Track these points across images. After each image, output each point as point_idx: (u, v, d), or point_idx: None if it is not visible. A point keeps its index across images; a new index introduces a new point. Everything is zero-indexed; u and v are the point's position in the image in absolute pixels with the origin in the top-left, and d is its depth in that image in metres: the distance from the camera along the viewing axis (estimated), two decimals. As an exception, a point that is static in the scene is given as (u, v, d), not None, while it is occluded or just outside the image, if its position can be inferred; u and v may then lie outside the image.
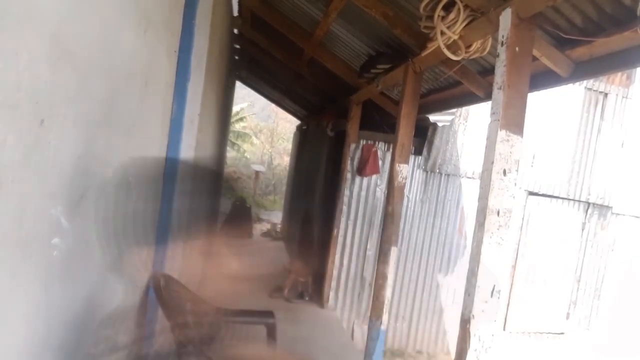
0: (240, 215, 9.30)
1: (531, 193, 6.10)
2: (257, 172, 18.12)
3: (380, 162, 5.28)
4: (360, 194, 5.40)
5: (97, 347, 1.30)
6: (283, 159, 22.53)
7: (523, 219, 6.07)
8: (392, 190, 3.55)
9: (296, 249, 7.31)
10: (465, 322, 1.92)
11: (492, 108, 1.97)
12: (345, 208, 5.34)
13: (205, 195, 4.44)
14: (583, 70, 2.42)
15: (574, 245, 6.28)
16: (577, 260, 6.27)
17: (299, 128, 9.77)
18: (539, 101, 5.39)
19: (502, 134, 1.89)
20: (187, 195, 2.01)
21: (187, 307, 1.75)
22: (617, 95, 6.22)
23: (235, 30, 5.90)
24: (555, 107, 5.93)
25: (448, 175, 5.69)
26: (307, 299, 5.42)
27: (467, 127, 5.76)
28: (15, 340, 0.86)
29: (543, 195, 6.15)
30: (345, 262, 5.45)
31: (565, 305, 6.29)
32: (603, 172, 6.23)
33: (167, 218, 2.45)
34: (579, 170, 6.21)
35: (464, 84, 3.33)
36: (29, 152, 0.81)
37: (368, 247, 5.49)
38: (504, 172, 1.91)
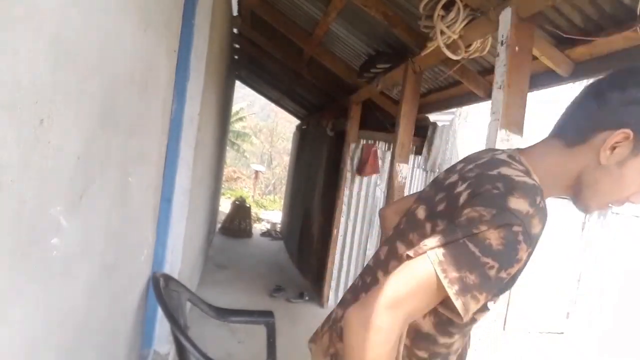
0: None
1: (531, 193, 6.10)
2: (257, 172, 18.12)
3: (380, 162, 5.28)
4: (360, 194, 5.40)
5: None
6: (283, 159, 22.53)
7: (523, 218, 6.06)
8: (392, 190, 3.55)
9: (296, 248, 7.31)
10: (465, 322, 1.92)
11: (492, 107, 1.97)
12: (345, 208, 5.34)
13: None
14: (583, 69, 2.42)
15: (574, 244, 6.28)
16: (577, 259, 6.27)
17: (298, 128, 9.77)
18: (538, 100, 5.38)
19: (502, 133, 1.89)
20: None
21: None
22: (616, 94, 6.23)
23: (235, 30, 5.90)
24: (555, 106, 5.93)
25: (448, 174, 5.69)
26: (307, 298, 5.42)
27: (467, 126, 5.76)
28: (15, 340, 0.86)
29: (543, 194, 6.15)
30: (345, 261, 5.44)
31: (565, 304, 6.29)
32: (603, 171, 6.22)
33: (167, 216, 2.45)
34: (579, 169, 6.21)
35: (463, 84, 3.33)
36: (29, 152, 0.81)
37: (368, 247, 5.48)
38: (504, 172, 1.90)
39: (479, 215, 0.75)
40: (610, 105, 0.84)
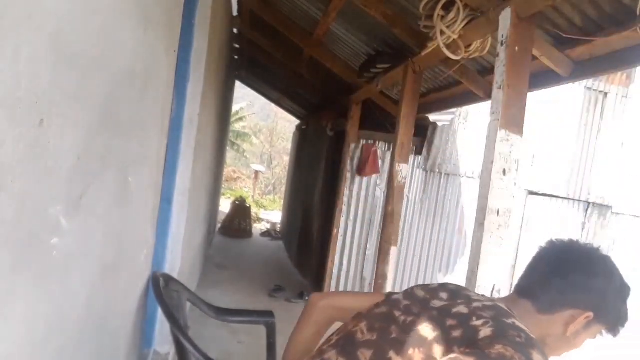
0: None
1: (531, 193, 6.10)
2: (257, 172, 18.13)
3: (380, 162, 5.28)
4: (360, 194, 5.40)
5: None
6: (283, 159, 22.53)
7: (523, 218, 6.06)
8: (392, 190, 3.55)
9: (296, 248, 7.31)
10: (465, 322, 1.92)
11: (491, 107, 1.97)
12: (345, 208, 5.34)
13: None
14: (583, 69, 2.42)
15: (574, 244, 6.27)
16: (577, 259, 6.27)
17: (298, 128, 9.77)
18: (538, 100, 5.38)
19: (501, 133, 1.89)
20: None
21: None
22: (617, 94, 6.22)
23: (235, 30, 5.90)
24: (555, 106, 5.93)
25: (448, 175, 5.69)
26: (306, 298, 5.42)
27: (467, 126, 5.76)
28: (15, 340, 0.86)
29: (543, 195, 6.15)
30: (345, 261, 5.45)
31: (565, 304, 6.29)
32: (603, 171, 6.22)
33: (167, 216, 2.45)
34: (579, 170, 6.21)
35: (463, 84, 3.33)
36: (29, 152, 0.81)
37: (368, 246, 5.49)
38: (504, 172, 1.91)
39: (510, 355, 0.87)
40: (576, 288, 1.02)
